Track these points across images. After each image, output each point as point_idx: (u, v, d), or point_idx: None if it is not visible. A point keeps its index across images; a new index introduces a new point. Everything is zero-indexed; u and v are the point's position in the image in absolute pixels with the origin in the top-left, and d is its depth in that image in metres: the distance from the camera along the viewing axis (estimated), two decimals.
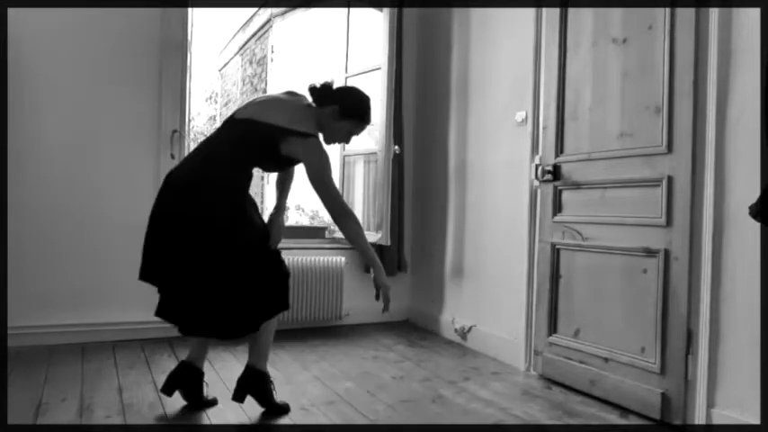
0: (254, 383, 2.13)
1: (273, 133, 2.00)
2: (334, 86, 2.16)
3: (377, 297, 2.06)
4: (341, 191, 3.88)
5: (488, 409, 2.30)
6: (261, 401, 2.15)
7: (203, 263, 1.97)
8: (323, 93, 2.13)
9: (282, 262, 2.18)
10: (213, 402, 2.21)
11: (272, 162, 2.12)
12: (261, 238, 2.12)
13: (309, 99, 2.18)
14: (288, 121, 2.02)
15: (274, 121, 2.01)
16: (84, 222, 3.05)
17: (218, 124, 12.99)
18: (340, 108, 2.10)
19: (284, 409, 2.17)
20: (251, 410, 2.17)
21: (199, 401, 2.18)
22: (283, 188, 2.35)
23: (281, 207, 2.32)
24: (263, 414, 2.14)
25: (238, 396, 2.12)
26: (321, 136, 2.14)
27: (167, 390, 2.14)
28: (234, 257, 1.99)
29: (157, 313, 2.11)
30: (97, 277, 3.08)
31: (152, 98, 3.18)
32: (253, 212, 2.11)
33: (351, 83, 3.82)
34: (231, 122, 2.09)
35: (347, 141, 2.21)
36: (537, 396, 2.48)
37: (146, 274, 2.07)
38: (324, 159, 2.02)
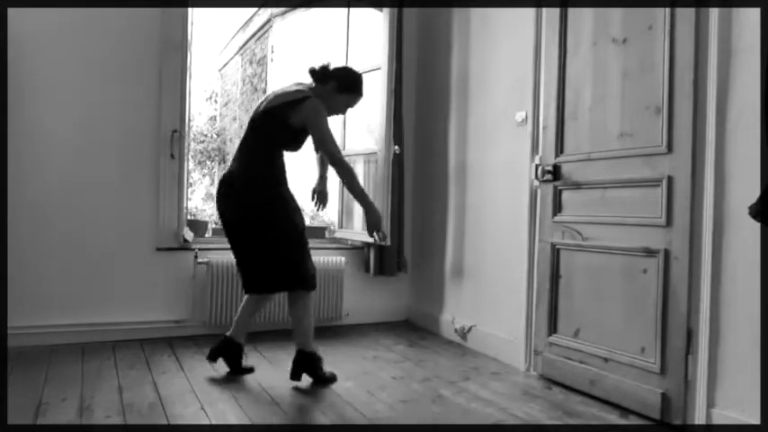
0: (305, 363, 2.51)
1: (282, 111, 2.40)
2: (331, 67, 2.57)
3: (369, 234, 2.52)
4: (341, 191, 3.90)
5: (488, 409, 2.30)
6: (313, 377, 2.53)
7: (262, 243, 2.43)
8: (322, 72, 2.54)
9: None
10: (251, 370, 2.65)
11: (292, 139, 2.49)
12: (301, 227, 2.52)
13: (311, 82, 2.57)
14: (289, 97, 2.42)
15: (280, 101, 2.42)
16: (84, 222, 3.05)
17: (218, 124, 13.01)
18: (338, 84, 2.53)
19: (332, 379, 2.56)
20: (251, 410, 2.17)
21: (239, 369, 2.62)
22: (322, 161, 2.86)
23: (323, 176, 2.89)
24: (263, 412, 2.15)
25: (295, 376, 2.51)
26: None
27: (212, 357, 2.60)
28: (281, 236, 2.44)
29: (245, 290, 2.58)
30: (97, 277, 3.08)
31: (152, 98, 3.18)
32: (291, 203, 2.50)
33: None
34: (252, 120, 2.51)
35: (344, 113, 2.66)
36: (537, 396, 2.48)
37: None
38: (322, 117, 2.42)
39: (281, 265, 2.45)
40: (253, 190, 2.42)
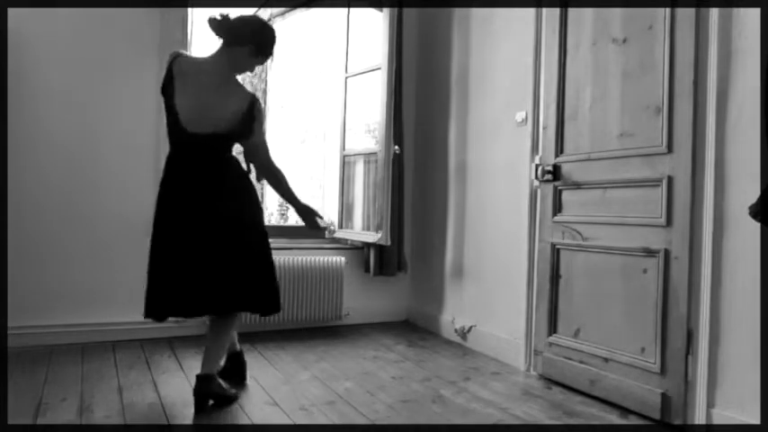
0: (215, 387, 2.20)
1: (244, 126, 2.21)
2: (233, 19, 2.23)
3: (306, 224, 2.40)
4: (340, 191, 3.91)
5: (488, 409, 2.30)
6: (219, 403, 2.22)
7: (241, 254, 2.19)
8: (232, 33, 2.21)
9: None
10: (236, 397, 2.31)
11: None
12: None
13: (221, 45, 2.24)
14: (239, 105, 2.19)
15: (236, 117, 2.18)
16: (84, 222, 3.05)
17: None
18: (256, 48, 2.26)
19: (233, 398, 2.27)
20: (251, 411, 2.17)
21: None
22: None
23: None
24: (263, 412, 2.15)
25: (200, 406, 2.15)
26: (234, 71, 2.27)
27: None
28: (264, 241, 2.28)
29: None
30: (97, 277, 3.08)
31: (152, 98, 3.17)
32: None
33: (351, 83, 3.82)
34: (193, 137, 2.15)
35: (252, 71, 2.37)
36: (537, 396, 2.48)
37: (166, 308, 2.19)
38: (263, 122, 2.29)
39: (264, 280, 2.24)
40: (236, 183, 2.22)
